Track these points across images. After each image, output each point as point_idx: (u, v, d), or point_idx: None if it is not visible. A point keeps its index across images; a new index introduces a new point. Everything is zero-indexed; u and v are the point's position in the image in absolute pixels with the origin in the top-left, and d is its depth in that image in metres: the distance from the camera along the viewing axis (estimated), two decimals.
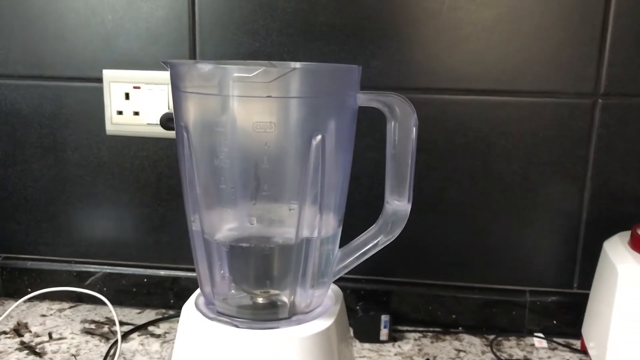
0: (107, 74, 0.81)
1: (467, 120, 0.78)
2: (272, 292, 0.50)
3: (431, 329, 0.83)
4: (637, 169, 0.76)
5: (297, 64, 0.53)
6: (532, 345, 0.80)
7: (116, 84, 0.81)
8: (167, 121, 0.77)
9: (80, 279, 0.88)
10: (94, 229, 0.87)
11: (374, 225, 0.51)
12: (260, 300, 0.50)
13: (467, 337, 0.82)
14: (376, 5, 0.76)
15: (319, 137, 0.45)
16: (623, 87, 0.75)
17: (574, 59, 0.75)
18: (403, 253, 0.82)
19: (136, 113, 0.82)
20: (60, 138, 0.85)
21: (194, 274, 0.85)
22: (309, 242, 0.48)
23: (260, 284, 0.50)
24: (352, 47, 0.77)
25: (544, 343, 0.80)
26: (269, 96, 0.43)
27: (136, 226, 0.87)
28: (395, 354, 0.77)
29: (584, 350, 0.77)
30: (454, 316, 0.83)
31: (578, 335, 0.79)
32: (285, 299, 0.50)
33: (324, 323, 0.49)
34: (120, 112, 0.82)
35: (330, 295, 0.53)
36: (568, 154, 0.78)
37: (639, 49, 0.74)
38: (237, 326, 0.48)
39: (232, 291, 0.50)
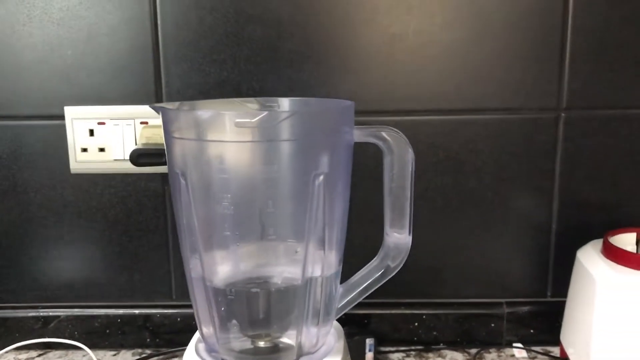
0: (70, 110, 0.79)
1: (437, 139, 0.80)
2: (276, 334, 0.49)
3: (413, 348, 0.84)
4: (602, 179, 0.79)
5: (285, 101, 0.53)
6: (513, 356, 0.81)
7: (79, 120, 0.79)
8: (137, 157, 0.75)
9: (46, 323, 0.84)
10: (61, 271, 0.84)
11: (374, 259, 0.51)
12: (263, 343, 0.49)
13: (449, 353, 0.83)
14: (343, 32, 0.76)
15: (322, 175, 0.45)
16: (584, 101, 0.78)
17: (536, 76, 0.77)
18: None
19: (102, 149, 0.79)
20: (21, 179, 0.81)
21: (170, 311, 0.83)
22: (315, 281, 0.48)
23: (266, 327, 0.49)
24: (320, 73, 0.77)
25: (524, 353, 0.82)
26: (271, 140, 0.43)
27: (106, 265, 0.84)
28: None
29: (563, 357, 0.79)
30: (434, 333, 0.84)
31: (555, 343, 0.82)
32: (289, 341, 0.49)
33: None
34: (84, 149, 0.79)
35: (332, 332, 0.52)
36: (535, 168, 0.80)
37: (596, 64, 0.77)
38: None
39: (235, 336, 0.49)
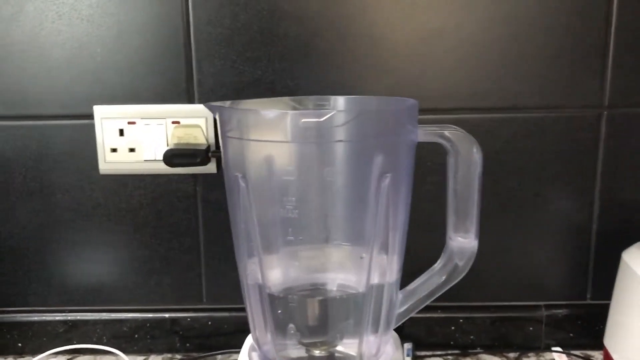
0: (99, 110, 0.77)
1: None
2: (334, 343, 0.47)
3: (450, 352, 0.82)
4: None
5: (340, 99, 0.51)
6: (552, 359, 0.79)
7: (109, 120, 0.77)
8: (171, 157, 0.73)
9: (74, 328, 0.82)
10: (89, 275, 0.82)
11: (436, 264, 0.49)
12: (319, 353, 0.47)
13: (487, 357, 0.81)
14: (379, 29, 0.74)
15: (388, 178, 0.43)
16: (627, 98, 0.76)
17: (578, 73, 0.75)
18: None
19: (132, 149, 0.77)
20: (48, 181, 0.79)
21: (200, 314, 0.81)
22: (376, 288, 0.45)
23: (324, 335, 0.47)
24: (357, 71, 0.75)
25: (564, 357, 0.80)
26: (340, 140, 0.41)
27: (135, 268, 0.82)
28: None
29: None
30: (471, 337, 0.82)
31: (594, 347, 0.80)
32: (346, 350, 0.47)
33: None
34: (114, 150, 0.78)
35: (390, 341, 0.50)
36: (577, 167, 0.78)
37: None
38: None
39: (293, 344, 0.47)
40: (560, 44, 0.75)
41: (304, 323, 0.47)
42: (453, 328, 0.82)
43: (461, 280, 0.81)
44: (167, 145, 0.77)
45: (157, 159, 0.77)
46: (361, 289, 0.44)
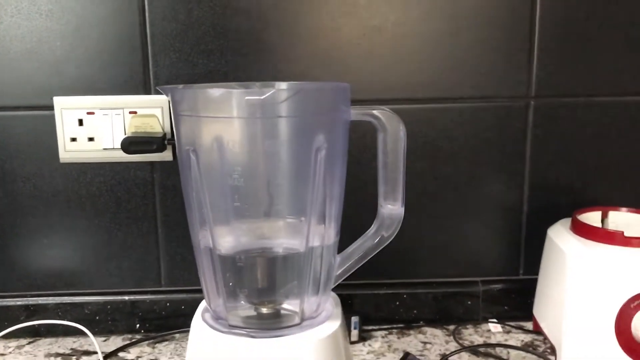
0: (59, 101, 0.80)
1: (415, 127, 0.84)
2: (280, 301, 0.52)
3: (395, 326, 0.88)
4: (570, 162, 0.85)
5: (283, 84, 0.56)
6: (489, 330, 0.86)
7: (68, 110, 0.80)
8: (129, 145, 0.77)
9: (35, 312, 0.85)
10: (50, 260, 0.85)
11: (369, 230, 0.54)
12: (266, 310, 0.53)
13: (429, 330, 0.87)
14: (325, 24, 0.80)
15: (324, 150, 0.48)
16: (552, 89, 0.83)
17: (506, 66, 0.82)
18: None
19: (91, 139, 0.81)
20: (10, 169, 0.82)
21: (160, 297, 0.85)
22: (315, 251, 0.51)
23: (271, 294, 0.52)
24: (303, 63, 0.81)
25: (499, 327, 0.87)
26: (279, 116, 0.46)
27: (96, 253, 0.85)
28: (368, 352, 0.81)
29: (537, 330, 0.84)
30: (415, 311, 0.88)
31: (528, 318, 0.87)
32: (291, 307, 0.52)
33: (331, 326, 0.52)
34: (74, 139, 0.81)
35: (330, 301, 0.56)
36: (507, 153, 0.85)
37: (563, 53, 0.82)
38: (253, 336, 0.50)
39: (242, 304, 0.52)
40: (491, 37, 0.82)
41: (252, 283, 0.52)
42: (398, 303, 0.88)
43: (405, 258, 0.87)
44: (125, 134, 0.81)
45: (115, 147, 0.81)
46: (301, 249, 0.50)
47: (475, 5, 0.80)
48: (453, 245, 0.88)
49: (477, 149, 0.85)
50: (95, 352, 0.82)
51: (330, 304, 0.55)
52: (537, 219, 0.86)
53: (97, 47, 0.79)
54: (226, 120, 0.47)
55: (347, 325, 0.82)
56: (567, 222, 0.79)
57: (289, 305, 0.53)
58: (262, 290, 0.52)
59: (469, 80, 0.83)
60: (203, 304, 0.55)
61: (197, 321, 0.52)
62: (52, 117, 0.81)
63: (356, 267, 0.55)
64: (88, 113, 0.81)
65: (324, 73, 0.81)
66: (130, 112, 0.81)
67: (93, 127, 0.81)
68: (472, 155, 0.85)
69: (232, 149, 0.47)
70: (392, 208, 0.53)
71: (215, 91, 0.47)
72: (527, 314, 0.87)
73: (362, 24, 0.80)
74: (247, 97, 0.45)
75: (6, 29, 0.79)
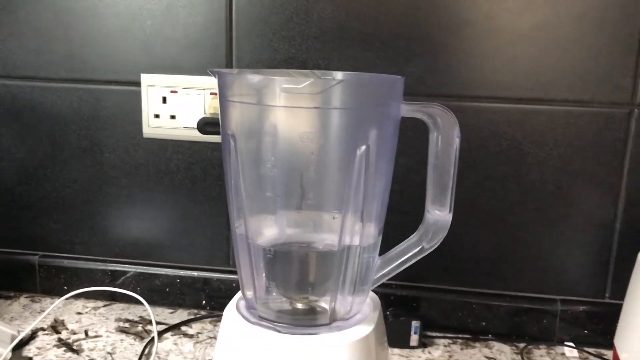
0: (145, 78, 0.83)
1: (501, 128, 0.79)
2: (312, 298, 0.51)
3: (461, 336, 0.83)
4: None
5: (339, 74, 0.54)
6: (563, 354, 0.80)
7: (154, 88, 0.83)
8: (204, 125, 0.78)
9: (114, 278, 0.90)
10: (128, 230, 0.89)
11: (414, 234, 0.51)
12: (300, 305, 0.51)
13: (497, 345, 0.82)
14: (411, 14, 0.76)
15: (364, 147, 0.46)
16: None
17: (610, 69, 0.75)
18: (434, 259, 0.81)
19: (172, 117, 0.83)
20: (98, 140, 0.87)
21: (227, 276, 0.86)
22: (351, 250, 0.49)
23: (302, 290, 0.51)
24: (387, 54, 0.78)
25: (575, 352, 0.80)
26: (317, 107, 0.44)
27: (170, 228, 0.88)
28: None
29: None
30: (483, 323, 0.83)
31: (609, 346, 0.79)
32: (325, 305, 0.51)
33: (364, 330, 0.49)
34: (157, 116, 0.84)
35: (368, 302, 0.53)
36: (602, 164, 0.77)
37: None
38: (278, 331, 0.49)
39: (274, 296, 0.51)
40: (594, 37, 0.74)
41: (281, 276, 0.51)
42: (466, 312, 0.84)
43: (479, 267, 0.83)
44: (205, 114, 0.82)
45: (194, 126, 0.82)
46: (335, 248, 0.48)
47: (577, 1, 0.73)
48: (533, 259, 0.82)
49: (569, 158, 0.78)
50: (162, 323, 0.84)
51: (368, 307, 0.53)
52: (630, 239, 0.78)
53: (184, 28, 0.81)
54: (262, 108, 0.46)
55: (407, 328, 0.79)
56: None
57: (324, 304, 0.51)
58: (292, 284, 0.51)
59: (565, 81, 0.76)
60: (239, 293, 0.54)
61: (231, 307, 0.52)
62: (139, 94, 0.84)
63: (395, 273, 0.52)
64: (172, 91, 0.83)
65: (405, 65, 0.78)
66: (211, 94, 0.82)
67: (175, 106, 0.83)
68: (562, 163, 0.78)
69: (267, 137, 0.46)
70: (439, 214, 0.50)
71: (254, 77, 0.46)
72: (610, 341, 0.79)
73: (451, 16, 0.76)
74: (284, 86, 0.44)
75: (105, 5, 0.83)
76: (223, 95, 0.48)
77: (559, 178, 0.78)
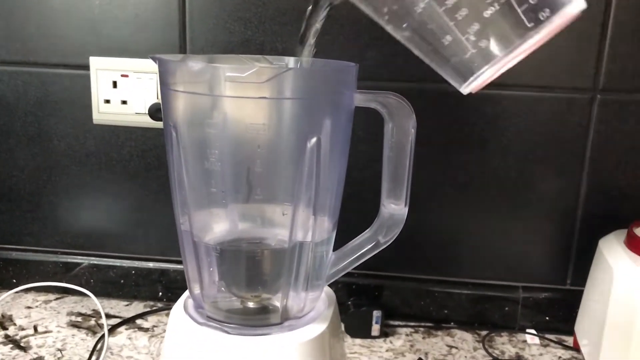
0: (94, 61, 0.79)
1: (462, 114, 0.77)
2: (264, 296, 0.49)
3: (423, 324, 0.82)
4: (635, 166, 0.75)
5: (291, 60, 0.51)
6: (524, 341, 0.79)
7: (103, 71, 0.79)
8: (155, 112, 0.75)
9: (66, 269, 0.86)
10: (81, 220, 0.85)
11: (369, 229, 0.49)
12: (251, 304, 0.49)
13: (459, 333, 0.81)
14: None
15: (314, 139, 0.44)
16: (622, 83, 0.74)
17: (573, 54, 0.73)
18: (395, 247, 0.80)
19: (124, 102, 0.80)
20: (46, 126, 0.83)
21: (182, 267, 0.83)
22: (303, 246, 0.47)
23: (252, 288, 0.49)
24: (346, 37, 0.75)
25: (536, 339, 0.79)
26: (263, 97, 0.42)
27: (124, 218, 0.85)
28: (387, 350, 0.76)
29: (576, 347, 0.76)
30: (445, 311, 0.83)
31: (571, 332, 0.79)
32: (277, 303, 0.49)
33: (317, 328, 0.47)
34: (107, 101, 0.80)
35: (323, 298, 0.51)
36: (564, 150, 0.76)
37: (638, 45, 0.72)
38: (227, 332, 0.46)
39: (222, 295, 0.49)
40: None
41: (232, 275, 0.48)
42: (428, 301, 0.82)
43: (441, 254, 0.81)
44: (157, 99, 0.79)
45: (147, 112, 0.79)
46: (285, 245, 0.45)
47: None
48: (495, 246, 0.81)
49: (531, 144, 0.77)
50: (116, 316, 0.81)
51: (323, 303, 0.51)
52: (592, 226, 0.78)
53: (135, 9, 0.77)
54: (206, 98, 0.43)
55: (368, 319, 0.78)
56: (622, 234, 0.71)
57: (274, 302, 0.49)
58: (240, 283, 0.48)
59: (527, 66, 0.74)
60: (187, 292, 0.52)
61: (178, 307, 0.49)
62: (88, 78, 0.80)
63: (350, 268, 0.50)
64: (122, 75, 0.79)
65: (365, 50, 0.75)
66: None
67: (126, 90, 0.79)
68: (524, 149, 0.77)
69: (211, 129, 0.43)
70: (394, 208, 0.48)
71: (196, 65, 0.43)
72: (571, 328, 0.79)
73: None
74: (227, 74, 0.41)
75: None
76: (164, 83, 0.45)
77: (521, 164, 0.77)
